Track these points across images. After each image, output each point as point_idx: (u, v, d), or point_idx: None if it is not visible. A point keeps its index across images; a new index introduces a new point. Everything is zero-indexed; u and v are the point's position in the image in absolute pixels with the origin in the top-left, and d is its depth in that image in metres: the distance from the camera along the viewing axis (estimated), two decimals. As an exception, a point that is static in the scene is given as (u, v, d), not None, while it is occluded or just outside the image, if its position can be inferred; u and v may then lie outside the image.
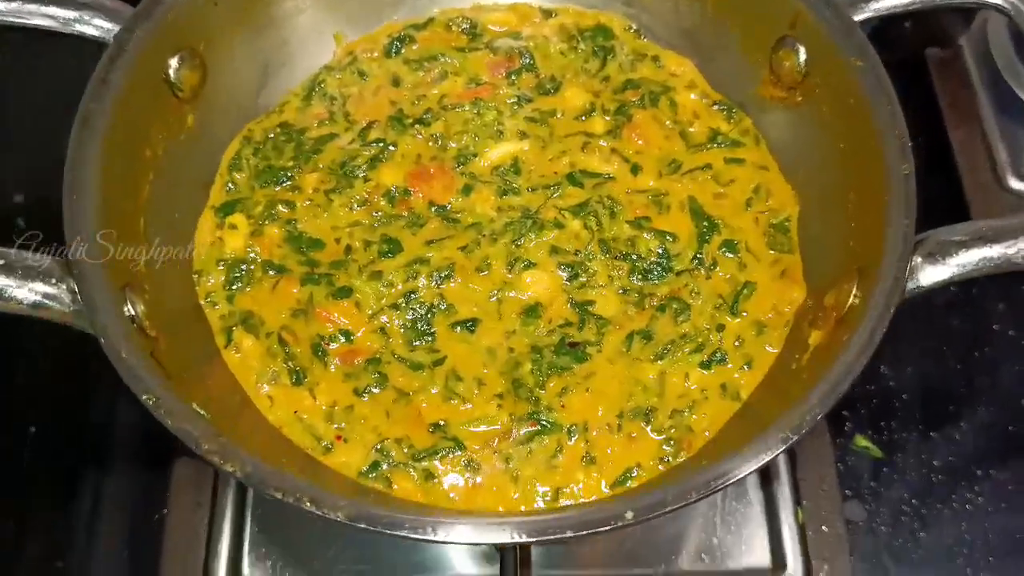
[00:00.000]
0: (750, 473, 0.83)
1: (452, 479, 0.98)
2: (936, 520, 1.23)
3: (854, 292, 0.95)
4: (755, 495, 1.21)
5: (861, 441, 1.26)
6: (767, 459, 0.83)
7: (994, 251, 0.89)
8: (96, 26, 1.04)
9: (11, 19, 1.03)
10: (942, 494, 1.24)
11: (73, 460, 1.22)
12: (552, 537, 0.81)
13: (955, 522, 1.22)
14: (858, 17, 1.06)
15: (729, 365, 1.03)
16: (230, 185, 1.15)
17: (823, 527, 1.21)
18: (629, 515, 0.80)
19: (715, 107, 1.19)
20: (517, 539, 0.81)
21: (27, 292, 0.88)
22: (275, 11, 1.18)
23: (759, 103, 1.17)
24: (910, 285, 0.89)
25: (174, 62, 1.08)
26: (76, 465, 1.22)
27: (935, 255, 0.91)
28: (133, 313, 0.93)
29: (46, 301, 0.89)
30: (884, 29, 1.19)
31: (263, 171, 1.15)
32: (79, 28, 1.03)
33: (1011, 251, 0.89)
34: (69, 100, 0.99)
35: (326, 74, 1.23)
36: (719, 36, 1.19)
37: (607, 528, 0.80)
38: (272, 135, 1.18)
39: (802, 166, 1.12)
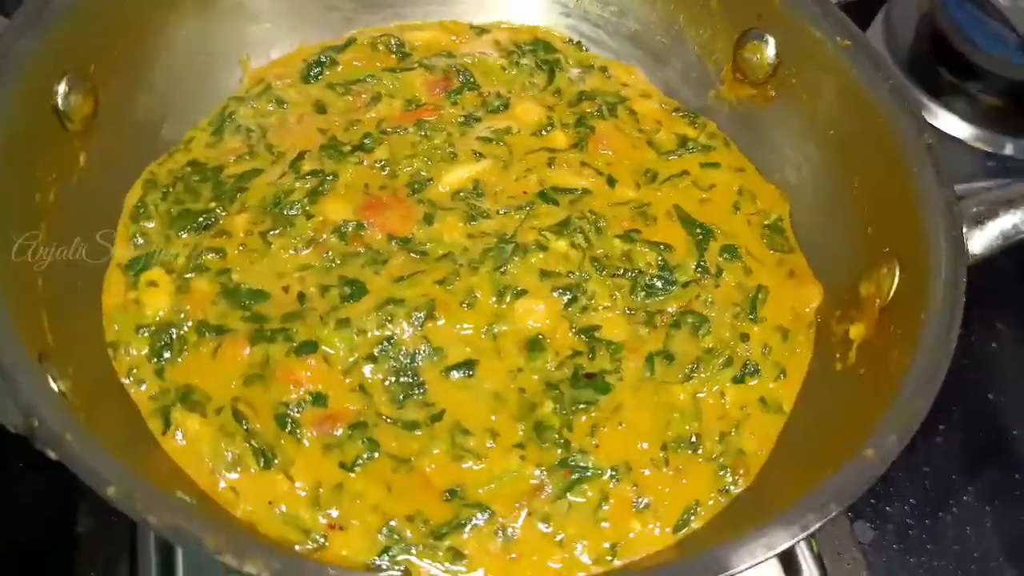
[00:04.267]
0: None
1: (484, 555, 0.80)
2: (941, 528, 1.16)
3: (897, 275, 0.87)
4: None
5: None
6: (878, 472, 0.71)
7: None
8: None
9: None
10: (940, 501, 1.19)
11: None
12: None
13: (959, 527, 1.17)
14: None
15: (763, 376, 0.92)
16: (138, 237, 0.93)
17: (838, 553, 1.12)
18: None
19: (676, 113, 1.10)
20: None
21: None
22: (172, 33, 0.99)
23: (723, 105, 1.09)
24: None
25: (62, 87, 0.87)
26: None
27: (980, 221, 0.85)
28: (60, 390, 0.70)
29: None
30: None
31: (179, 216, 0.94)
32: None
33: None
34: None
35: (236, 104, 1.04)
36: (672, 38, 1.11)
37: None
38: (181, 176, 0.98)
39: (785, 162, 1.04)
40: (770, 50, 1.04)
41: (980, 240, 0.85)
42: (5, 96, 0.81)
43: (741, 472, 0.86)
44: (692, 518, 0.83)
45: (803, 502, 0.69)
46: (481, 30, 1.15)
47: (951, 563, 1.13)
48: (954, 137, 1.36)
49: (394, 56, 1.10)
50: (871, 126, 0.94)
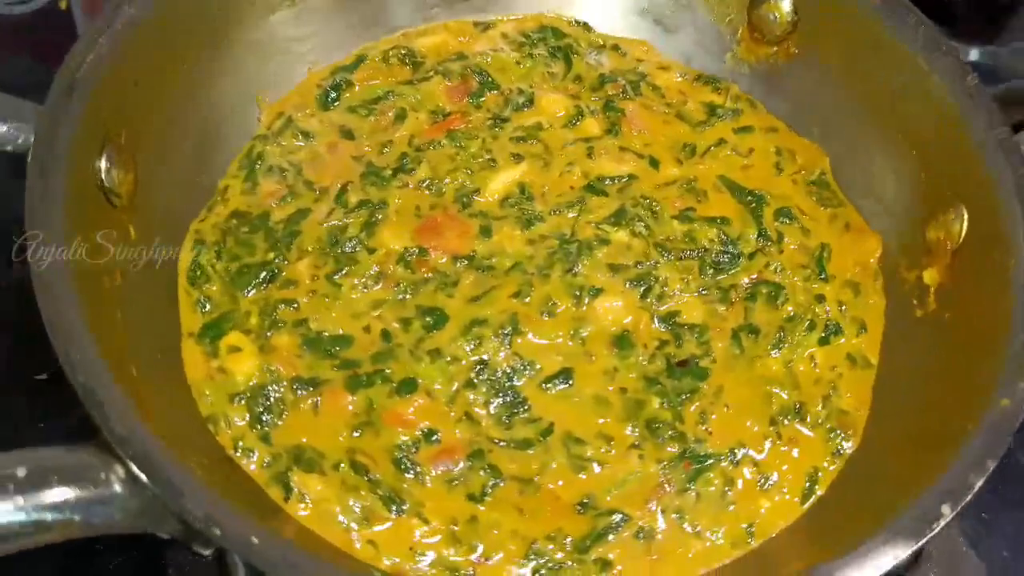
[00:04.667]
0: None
1: (631, 562, 0.81)
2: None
3: (965, 217, 0.89)
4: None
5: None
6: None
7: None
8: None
9: None
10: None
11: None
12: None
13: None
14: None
15: (845, 333, 0.94)
16: (202, 302, 0.90)
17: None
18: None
19: (697, 82, 1.10)
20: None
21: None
22: (193, 78, 0.95)
23: (742, 67, 1.09)
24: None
25: (103, 163, 0.83)
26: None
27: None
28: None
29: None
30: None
31: (239, 273, 0.91)
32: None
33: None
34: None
35: (261, 144, 1.00)
36: (680, 6, 1.11)
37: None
38: (228, 229, 0.94)
39: (816, 116, 1.05)
40: (786, 6, 1.04)
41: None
42: (57, 185, 0.77)
43: (849, 432, 0.88)
44: (816, 486, 0.85)
45: (952, 468, 0.71)
46: (486, 26, 1.12)
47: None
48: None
49: (408, 67, 1.07)
50: (908, 74, 0.95)
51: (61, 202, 0.75)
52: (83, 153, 0.81)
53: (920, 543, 0.66)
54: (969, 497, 0.68)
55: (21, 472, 0.58)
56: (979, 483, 0.69)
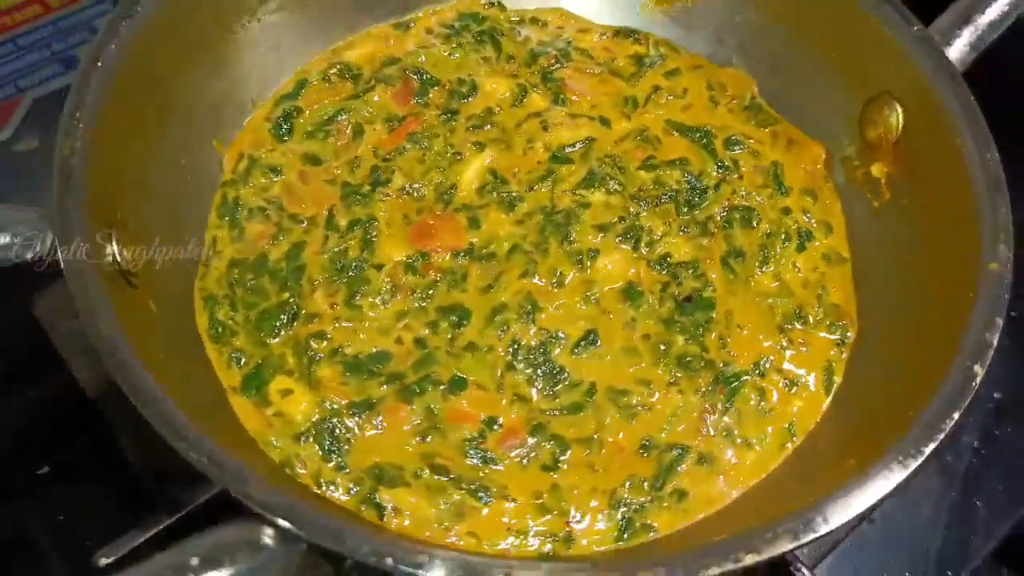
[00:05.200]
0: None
1: (702, 485, 0.89)
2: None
3: (898, 111, 0.99)
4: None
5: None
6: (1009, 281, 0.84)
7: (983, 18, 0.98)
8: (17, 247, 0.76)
9: None
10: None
11: None
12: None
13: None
14: None
15: (816, 237, 1.03)
16: (235, 356, 0.91)
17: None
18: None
19: (617, 36, 1.17)
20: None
21: None
22: (152, 139, 0.94)
23: (655, 14, 1.17)
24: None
25: (113, 246, 0.83)
26: None
27: (954, 31, 0.98)
28: None
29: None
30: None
31: (260, 320, 0.93)
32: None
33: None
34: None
35: (232, 190, 1.01)
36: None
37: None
38: (232, 280, 0.95)
39: (732, 44, 1.14)
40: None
41: (955, 57, 0.98)
42: (89, 275, 0.77)
43: (845, 322, 0.98)
44: (833, 376, 0.95)
45: (968, 334, 0.81)
46: (406, 25, 1.15)
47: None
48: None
49: (348, 82, 1.09)
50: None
51: (106, 302, 0.76)
52: (95, 244, 0.81)
53: (966, 403, 0.76)
54: (991, 354, 0.79)
55: (195, 561, 0.60)
56: (995, 339, 0.79)
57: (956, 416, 0.76)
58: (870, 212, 1.03)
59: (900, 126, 1.00)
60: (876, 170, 1.02)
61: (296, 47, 1.09)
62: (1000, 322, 0.80)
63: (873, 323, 0.98)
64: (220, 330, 0.92)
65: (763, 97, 1.13)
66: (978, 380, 0.78)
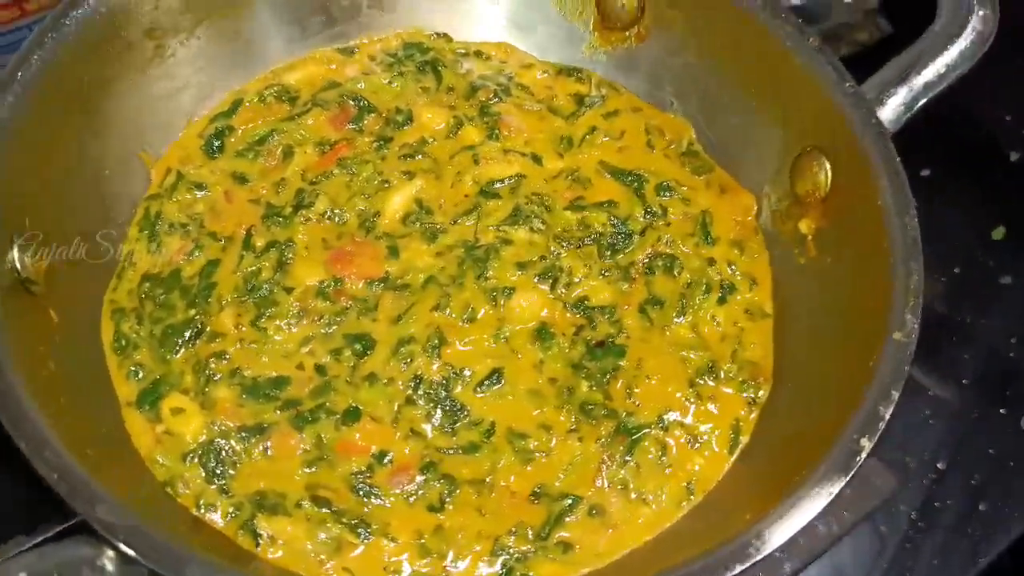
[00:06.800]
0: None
1: (591, 537, 0.87)
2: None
3: (826, 167, 0.98)
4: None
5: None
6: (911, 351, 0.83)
7: (941, 61, 0.96)
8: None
9: None
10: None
11: None
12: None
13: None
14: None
15: (739, 290, 1.02)
16: (133, 370, 0.91)
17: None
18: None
19: (560, 75, 1.16)
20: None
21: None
22: (72, 151, 0.95)
23: (599, 54, 1.15)
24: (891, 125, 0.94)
25: (15, 253, 0.83)
26: None
27: (888, 90, 0.96)
28: None
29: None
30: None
31: (164, 336, 0.92)
32: None
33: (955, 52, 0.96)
34: None
35: (156, 204, 1.01)
36: (528, 6, 1.16)
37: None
38: (143, 294, 0.95)
39: (674, 91, 1.12)
40: (633, -7, 1.11)
41: (888, 116, 0.97)
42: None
43: (759, 379, 0.96)
44: (740, 435, 0.93)
45: (863, 404, 0.80)
46: (350, 50, 1.15)
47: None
48: None
49: (285, 104, 1.09)
50: (753, 42, 1.03)
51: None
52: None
53: (849, 476, 0.75)
54: (882, 427, 0.77)
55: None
56: (888, 413, 0.78)
57: (835, 490, 0.74)
58: (795, 268, 1.01)
59: (828, 182, 0.98)
60: (804, 226, 1.01)
61: (236, 67, 1.09)
62: (896, 395, 0.78)
63: (787, 383, 0.96)
64: (124, 343, 0.92)
65: (700, 142, 1.12)
66: (864, 454, 0.76)
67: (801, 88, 1.00)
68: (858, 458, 0.76)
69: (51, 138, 0.92)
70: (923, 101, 0.97)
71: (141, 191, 1.01)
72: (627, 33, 1.14)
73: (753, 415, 0.95)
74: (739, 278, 1.03)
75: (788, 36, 1.00)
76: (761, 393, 0.96)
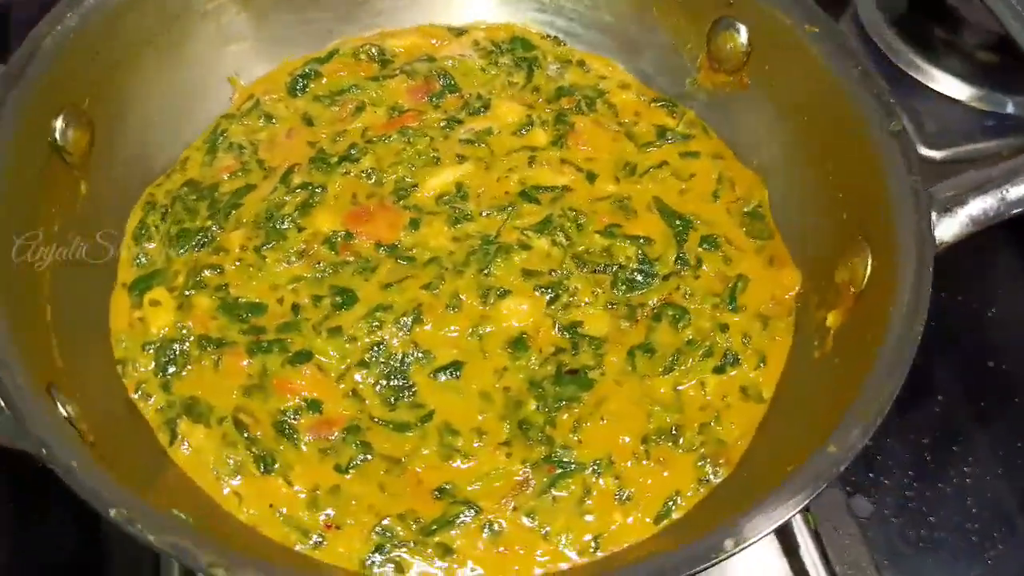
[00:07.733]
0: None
1: (471, 550, 0.84)
2: (941, 499, 1.18)
3: (869, 261, 0.89)
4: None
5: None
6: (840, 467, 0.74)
7: (1010, 193, 0.85)
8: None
9: None
10: (939, 471, 1.20)
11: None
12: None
13: (959, 497, 1.18)
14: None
15: (743, 365, 0.94)
16: (140, 258, 0.98)
17: (836, 528, 1.14)
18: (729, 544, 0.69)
19: (655, 104, 1.12)
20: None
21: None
22: (161, 60, 1.03)
23: (700, 93, 1.11)
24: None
25: (59, 123, 0.92)
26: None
27: (948, 208, 0.86)
28: (68, 415, 0.76)
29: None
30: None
31: (177, 236, 0.99)
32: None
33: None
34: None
35: (227, 123, 1.08)
36: (645, 29, 1.13)
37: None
38: (179, 196, 1.02)
39: (761, 148, 1.06)
40: (742, 38, 1.05)
41: (950, 226, 0.86)
42: (5, 136, 0.86)
43: (721, 462, 0.89)
44: (673, 508, 0.86)
45: (760, 503, 0.72)
46: (459, 31, 1.17)
47: (951, 534, 1.15)
48: (952, 98, 1.35)
49: (376, 64, 1.13)
50: (840, 112, 0.95)
51: (3, 155, 0.85)
52: (38, 112, 0.90)
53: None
54: (783, 521, 0.71)
55: None
56: (789, 515, 0.71)
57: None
58: (808, 361, 0.92)
59: (866, 278, 0.89)
60: (831, 318, 0.91)
61: (343, 24, 1.15)
62: (805, 501, 0.70)
63: (746, 472, 0.88)
64: (143, 232, 1.00)
65: (771, 207, 1.04)
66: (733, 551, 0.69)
67: (871, 178, 0.91)
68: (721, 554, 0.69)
69: (144, 42, 1.01)
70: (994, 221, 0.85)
71: (217, 110, 1.09)
72: (730, 78, 1.08)
73: (699, 495, 0.87)
74: (748, 353, 0.95)
75: (873, 112, 0.92)
76: (718, 474, 0.88)
